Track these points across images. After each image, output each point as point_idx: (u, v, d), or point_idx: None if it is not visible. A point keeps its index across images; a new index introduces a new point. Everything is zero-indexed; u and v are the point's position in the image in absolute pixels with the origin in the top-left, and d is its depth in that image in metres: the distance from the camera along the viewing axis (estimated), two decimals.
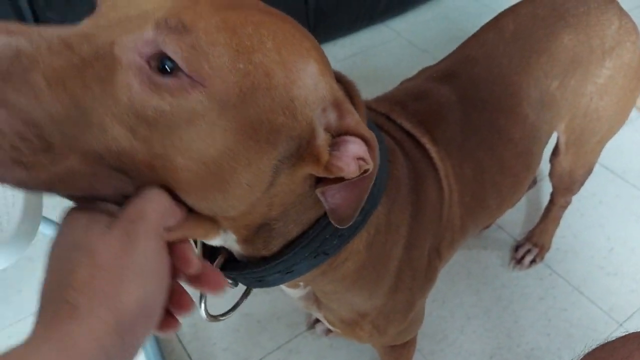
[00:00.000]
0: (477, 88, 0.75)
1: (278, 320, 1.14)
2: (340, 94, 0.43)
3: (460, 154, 0.71)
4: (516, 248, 1.24)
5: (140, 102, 0.35)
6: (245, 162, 0.39)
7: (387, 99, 0.74)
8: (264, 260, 0.50)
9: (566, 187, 1.05)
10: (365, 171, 0.43)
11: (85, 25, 0.37)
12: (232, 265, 0.53)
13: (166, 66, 0.35)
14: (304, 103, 0.40)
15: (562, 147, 0.93)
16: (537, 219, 1.25)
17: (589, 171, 1.03)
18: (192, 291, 0.46)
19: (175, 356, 1.09)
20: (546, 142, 0.86)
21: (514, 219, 1.31)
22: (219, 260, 0.53)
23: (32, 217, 0.74)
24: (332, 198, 0.45)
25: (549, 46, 0.79)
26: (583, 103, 0.85)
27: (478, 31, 0.84)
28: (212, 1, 0.38)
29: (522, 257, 1.22)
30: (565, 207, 1.18)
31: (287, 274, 0.51)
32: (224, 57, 0.36)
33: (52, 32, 0.34)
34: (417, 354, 1.06)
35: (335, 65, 0.44)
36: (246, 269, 0.51)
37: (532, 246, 1.22)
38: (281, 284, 0.54)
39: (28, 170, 0.33)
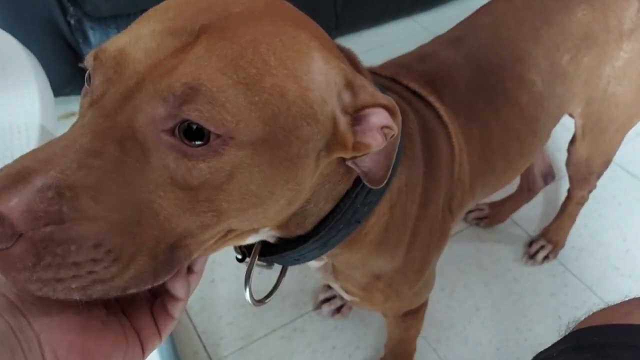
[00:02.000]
0: (484, 51, 0.75)
1: (284, 299, 1.14)
2: (348, 71, 0.42)
3: (467, 114, 0.71)
4: (530, 243, 1.22)
5: (181, 177, 0.35)
6: (283, 183, 0.40)
7: (392, 63, 0.75)
8: (302, 239, 0.51)
9: (583, 177, 1.04)
10: (392, 136, 0.43)
11: (95, 115, 0.35)
12: (269, 250, 0.53)
13: (192, 127, 0.34)
14: (321, 102, 0.40)
15: (579, 133, 0.92)
16: (553, 217, 1.23)
17: (606, 162, 1.01)
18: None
19: (181, 327, 1.10)
20: (557, 116, 0.85)
21: (530, 216, 1.30)
22: (256, 246, 0.53)
23: None
24: (362, 163, 0.46)
25: (562, 19, 0.79)
26: (600, 86, 0.84)
27: (489, 1, 0.84)
28: (198, 36, 0.36)
29: (536, 253, 1.20)
30: (581, 203, 1.16)
31: (324, 248, 0.52)
32: (239, 98, 0.35)
33: (70, 146, 0.33)
34: (422, 340, 1.05)
35: (359, 56, 0.44)
36: (285, 251, 0.52)
37: (546, 242, 1.20)
38: (317, 257, 0.54)
39: (105, 283, 0.34)
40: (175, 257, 0.38)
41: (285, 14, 0.41)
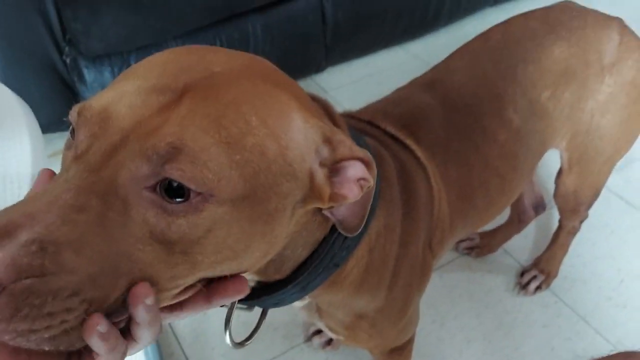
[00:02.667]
0: (459, 92, 0.76)
1: (275, 331, 1.14)
2: (326, 128, 0.43)
3: (444, 155, 0.72)
4: (522, 273, 1.21)
5: (160, 231, 0.36)
6: (260, 237, 0.40)
7: (369, 109, 0.76)
8: (281, 283, 0.52)
9: (571, 208, 1.03)
10: (367, 188, 0.45)
11: (79, 170, 0.36)
12: (249, 294, 0.53)
13: (173, 185, 0.35)
14: (300, 160, 0.41)
15: (565, 166, 0.93)
16: (545, 246, 1.22)
17: (595, 193, 1.01)
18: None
19: (174, 358, 1.10)
20: (539, 152, 0.85)
21: (522, 245, 1.29)
22: None
23: None
24: (338, 211, 0.47)
25: (538, 56, 0.79)
26: (584, 120, 0.84)
27: (466, 42, 0.85)
28: (182, 95, 0.37)
29: (528, 283, 1.19)
30: (573, 233, 1.15)
31: (303, 291, 0.53)
32: (221, 157, 0.36)
33: (54, 202, 0.34)
34: None
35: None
36: (263, 295, 0.53)
37: (538, 272, 1.19)
38: (297, 300, 0.55)
39: (73, 334, 0.34)
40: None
41: (265, 74, 0.43)
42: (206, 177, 0.35)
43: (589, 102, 0.83)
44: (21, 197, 0.77)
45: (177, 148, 0.35)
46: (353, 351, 1.10)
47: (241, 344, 0.56)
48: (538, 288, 1.19)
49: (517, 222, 1.24)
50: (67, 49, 1.32)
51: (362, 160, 0.43)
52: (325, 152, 0.43)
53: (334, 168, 0.43)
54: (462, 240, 1.27)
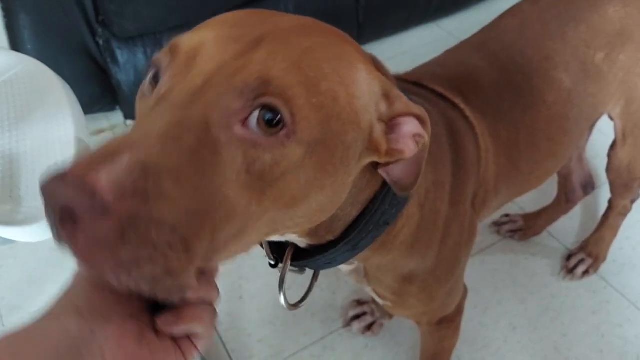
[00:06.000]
0: (508, 52, 0.75)
1: (313, 316, 1.12)
2: (386, 82, 0.44)
3: (495, 115, 0.71)
4: (568, 257, 1.17)
5: (246, 169, 0.36)
6: (320, 188, 0.41)
7: (416, 71, 0.76)
8: (332, 243, 0.53)
9: (624, 184, 0.99)
10: (423, 144, 0.46)
11: (166, 107, 0.36)
12: (301, 255, 0.55)
13: (266, 117, 0.36)
14: (364, 110, 0.42)
15: (619, 136, 0.89)
16: (592, 229, 1.18)
17: None
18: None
19: (211, 344, 1.10)
20: (591, 116, 0.82)
21: (567, 227, 1.24)
22: (289, 252, 0.55)
23: None
24: (393, 171, 0.48)
25: (590, 16, 0.77)
26: None
27: (516, 3, 0.83)
28: (258, 43, 0.38)
29: (575, 267, 1.14)
30: (624, 214, 1.10)
31: (354, 250, 0.54)
32: (302, 97, 0.37)
33: (150, 133, 0.34)
34: None
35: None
36: (316, 255, 0.53)
37: (585, 256, 1.15)
38: (348, 260, 0.55)
39: (174, 276, 0.33)
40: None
41: (331, 30, 0.45)
42: (294, 108, 0.36)
43: None
44: None
45: (267, 81, 0.36)
46: (393, 337, 1.08)
47: (295, 306, 0.57)
48: (586, 272, 1.14)
49: (564, 202, 1.19)
50: (100, 30, 1.31)
51: (417, 116, 0.44)
52: (383, 106, 0.44)
53: (390, 124, 0.44)
54: (504, 223, 1.23)
